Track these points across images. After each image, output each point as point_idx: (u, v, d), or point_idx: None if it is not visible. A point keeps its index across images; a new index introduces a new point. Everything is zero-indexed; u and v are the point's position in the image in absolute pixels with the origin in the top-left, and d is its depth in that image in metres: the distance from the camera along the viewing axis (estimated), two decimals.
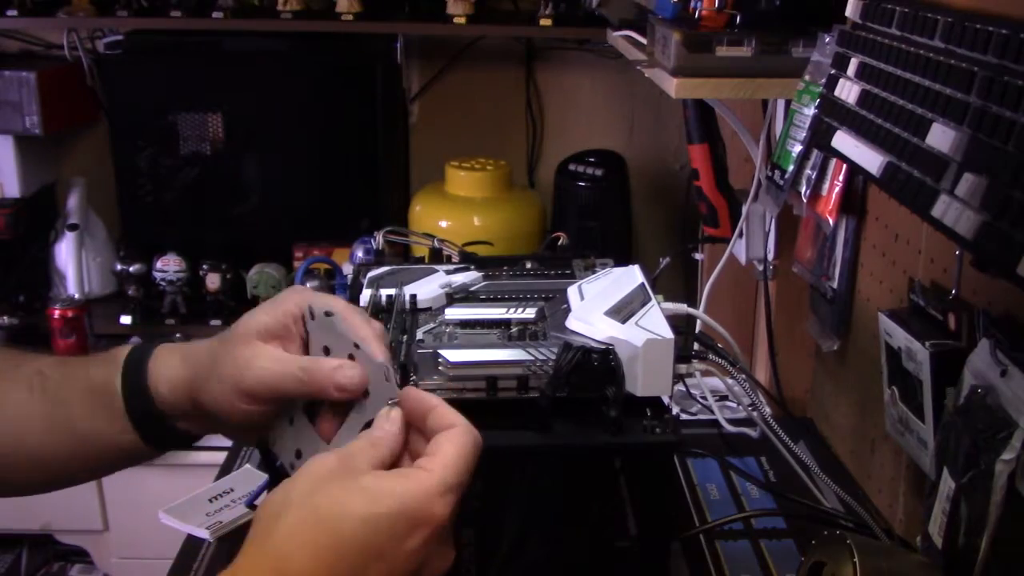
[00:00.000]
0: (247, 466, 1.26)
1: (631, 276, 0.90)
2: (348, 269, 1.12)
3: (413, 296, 0.88)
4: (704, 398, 1.26)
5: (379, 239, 1.16)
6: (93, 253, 2.27)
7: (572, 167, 2.17)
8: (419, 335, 0.83)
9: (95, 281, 2.27)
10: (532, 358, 0.77)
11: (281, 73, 2.17)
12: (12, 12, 2.07)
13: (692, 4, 1.09)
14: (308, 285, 0.91)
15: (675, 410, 1.14)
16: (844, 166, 1.09)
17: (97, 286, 2.27)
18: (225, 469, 1.27)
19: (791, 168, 1.11)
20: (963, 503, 0.75)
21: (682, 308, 0.94)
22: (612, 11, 1.63)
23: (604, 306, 0.81)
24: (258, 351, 0.71)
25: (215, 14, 2.05)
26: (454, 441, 0.63)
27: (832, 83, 0.88)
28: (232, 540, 1.09)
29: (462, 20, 2.07)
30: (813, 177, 1.14)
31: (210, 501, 1.15)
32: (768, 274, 1.48)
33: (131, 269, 2.17)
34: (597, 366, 0.75)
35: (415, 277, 0.93)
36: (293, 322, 0.73)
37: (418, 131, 2.40)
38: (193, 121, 2.17)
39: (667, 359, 0.76)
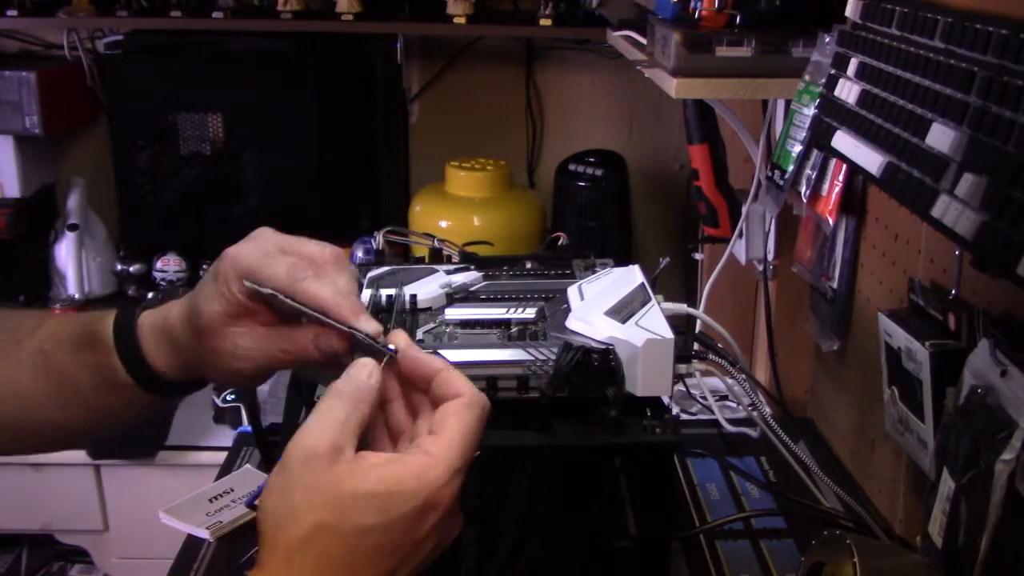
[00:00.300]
0: (247, 466, 1.26)
1: (631, 276, 0.90)
2: None
3: (413, 296, 0.88)
4: (704, 398, 1.26)
5: (379, 239, 1.16)
6: (93, 253, 2.27)
7: (572, 167, 2.17)
8: (419, 335, 0.83)
9: (95, 281, 2.27)
10: (532, 358, 0.77)
11: (281, 73, 2.17)
12: (12, 12, 2.07)
13: (692, 4, 1.09)
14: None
15: (675, 410, 1.14)
16: (844, 166, 1.09)
17: (97, 286, 2.27)
18: (225, 469, 1.27)
19: (791, 168, 1.11)
20: (963, 503, 0.75)
21: (682, 308, 0.94)
22: (612, 11, 1.63)
23: (604, 306, 0.81)
24: (234, 340, 0.71)
25: (215, 14, 2.05)
26: (461, 415, 0.62)
27: (832, 83, 0.88)
28: (232, 540, 1.09)
29: (462, 20, 2.07)
30: (813, 177, 1.14)
31: (210, 501, 1.16)
32: (768, 274, 1.48)
33: (131, 269, 2.17)
34: (597, 366, 0.75)
35: (415, 277, 0.93)
36: (248, 299, 0.71)
37: (418, 131, 2.40)
38: (193, 121, 2.17)
39: (667, 359, 0.76)
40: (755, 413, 1.01)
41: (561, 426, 0.76)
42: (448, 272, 0.96)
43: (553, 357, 0.76)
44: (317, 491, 0.58)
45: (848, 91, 0.84)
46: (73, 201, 2.27)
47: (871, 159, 0.76)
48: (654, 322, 0.79)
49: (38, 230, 2.26)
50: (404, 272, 0.95)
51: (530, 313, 0.86)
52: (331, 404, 0.62)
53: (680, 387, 1.15)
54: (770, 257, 1.48)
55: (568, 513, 0.79)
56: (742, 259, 1.52)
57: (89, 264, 2.25)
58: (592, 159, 2.16)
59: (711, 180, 1.53)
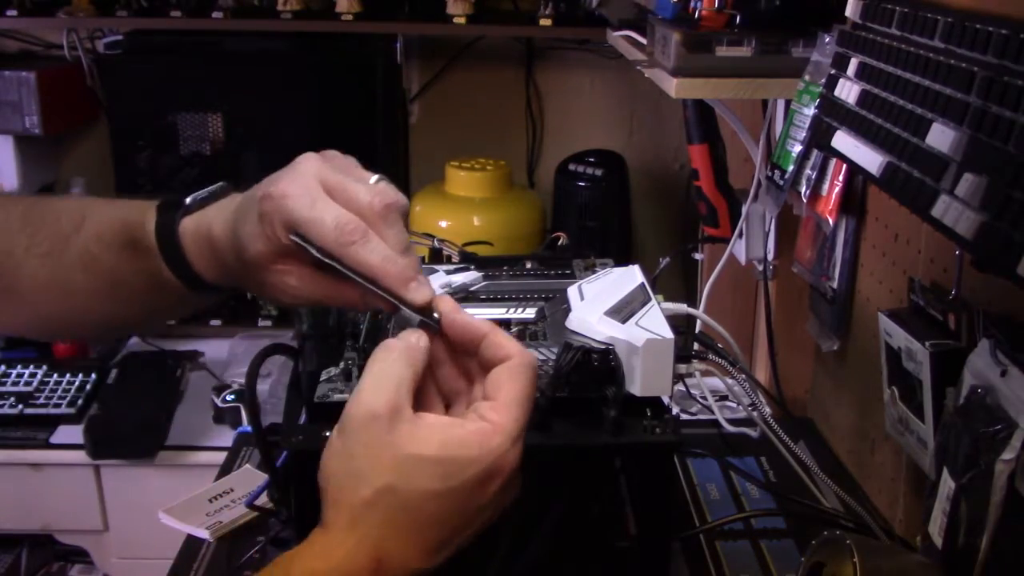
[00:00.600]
0: (247, 466, 1.26)
1: (631, 276, 0.90)
2: None
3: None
4: (704, 398, 1.26)
5: None
6: None
7: (572, 167, 2.17)
8: None
9: None
10: None
11: (281, 73, 2.16)
12: (12, 12, 2.06)
13: (692, 4, 1.09)
14: None
15: (675, 410, 1.14)
16: (844, 166, 1.09)
17: None
18: (225, 469, 1.27)
19: (791, 168, 1.11)
20: (963, 503, 0.75)
21: (682, 308, 0.94)
22: (612, 11, 1.63)
23: (604, 306, 0.81)
24: (281, 277, 0.69)
25: (215, 14, 2.05)
26: (515, 379, 0.62)
27: (832, 83, 0.88)
28: (232, 540, 1.09)
29: (462, 20, 2.06)
30: (813, 177, 1.14)
31: (210, 501, 1.16)
32: (768, 274, 1.48)
33: None
34: (597, 366, 0.75)
35: None
36: (294, 245, 0.67)
37: (418, 131, 2.40)
38: (193, 121, 2.16)
39: (667, 359, 0.76)
40: (755, 413, 1.01)
41: (561, 426, 0.76)
42: (448, 272, 0.96)
43: (553, 357, 0.76)
44: (380, 454, 0.59)
45: (848, 91, 0.84)
46: None
47: (871, 159, 0.76)
48: (654, 322, 0.79)
49: None
50: None
51: (530, 313, 0.86)
52: (384, 364, 0.61)
53: (680, 387, 1.15)
54: (770, 257, 1.48)
55: (568, 513, 0.79)
56: (742, 259, 1.52)
57: None
58: (592, 159, 2.16)
59: (711, 180, 1.53)
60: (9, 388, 1.89)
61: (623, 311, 0.80)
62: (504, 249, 1.37)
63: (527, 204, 2.21)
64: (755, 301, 1.67)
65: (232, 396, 1.83)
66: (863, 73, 0.82)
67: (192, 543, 1.10)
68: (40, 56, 2.29)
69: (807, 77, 1.03)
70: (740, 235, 1.50)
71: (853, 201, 1.18)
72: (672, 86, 1.08)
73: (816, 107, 0.95)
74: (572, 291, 0.87)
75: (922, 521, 0.82)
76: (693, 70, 1.07)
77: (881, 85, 0.78)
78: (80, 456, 1.77)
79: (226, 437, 1.68)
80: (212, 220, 0.73)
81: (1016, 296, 0.80)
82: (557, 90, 2.37)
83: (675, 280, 2.19)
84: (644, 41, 1.27)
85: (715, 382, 1.05)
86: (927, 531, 0.81)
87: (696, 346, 0.93)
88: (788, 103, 1.11)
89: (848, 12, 0.87)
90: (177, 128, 2.16)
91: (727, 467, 1.18)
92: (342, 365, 0.79)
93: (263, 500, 0.91)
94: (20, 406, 1.85)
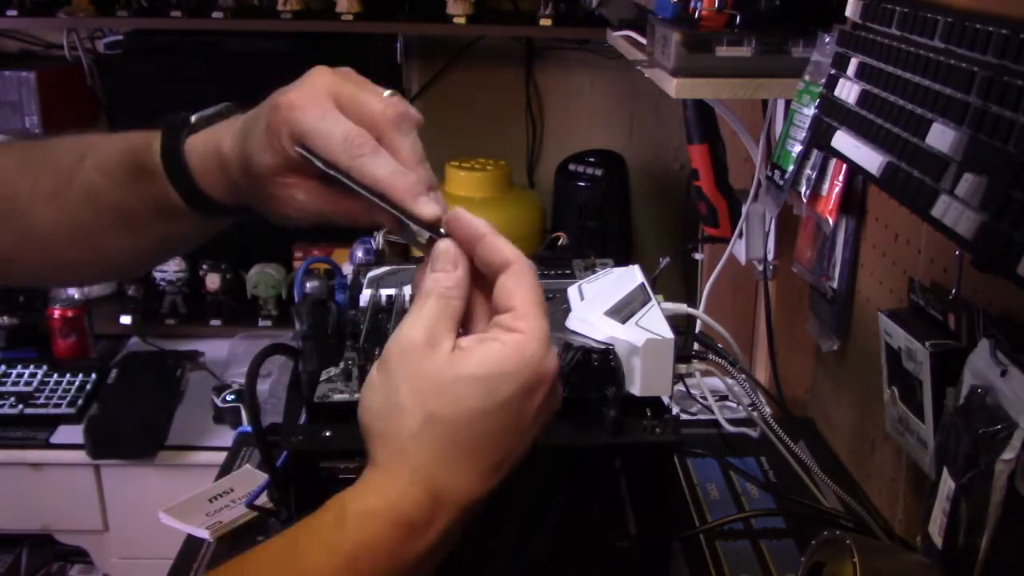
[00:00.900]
0: (247, 466, 1.26)
1: (631, 276, 0.90)
2: (348, 269, 1.12)
3: (413, 296, 0.88)
4: (704, 398, 1.26)
5: (379, 239, 1.16)
6: None
7: (572, 167, 2.17)
8: None
9: None
10: None
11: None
12: (12, 12, 2.06)
13: (692, 4, 1.09)
14: (308, 286, 0.90)
15: (675, 410, 1.14)
16: (844, 166, 1.09)
17: (97, 286, 2.27)
18: (225, 469, 1.27)
19: (791, 168, 1.11)
20: (963, 503, 0.75)
21: (682, 308, 0.94)
22: (612, 11, 1.63)
23: (604, 306, 0.81)
24: (287, 191, 0.68)
25: (215, 14, 2.05)
26: (522, 284, 0.61)
27: (832, 83, 0.88)
28: (232, 540, 1.09)
29: (462, 20, 2.06)
30: (813, 177, 1.14)
31: (210, 501, 1.16)
32: (768, 274, 1.48)
33: None
34: (597, 366, 0.75)
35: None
36: (300, 157, 0.66)
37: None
38: None
39: (667, 359, 0.76)
40: (755, 413, 1.01)
41: (561, 426, 0.76)
42: None
43: None
44: (421, 383, 0.58)
45: (848, 91, 0.84)
46: None
47: (871, 159, 0.76)
48: (654, 322, 0.79)
49: None
50: (404, 272, 0.95)
51: None
52: (420, 303, 0.61)
53: (680, 387, 1.15)
54: (770, 257, 1.48)
55: (568, 513, 0.79)
56: (742, 259, 1.52)
57: None
58: (592, 159, 2.16)
59: (711, 180, 1.53)
60: (9, 388, 1.89)
61: (623, 311, 0.80)
62: None
63: (527, 204, 2.21)
64: (755, 301, 1.67)
65: (232, 396, 1.83)
66: (863, 73, 0.82)
67: (192, 543, 1.10)
68: (40, 56, 2.29)
69: (807, 77, 1.03)
70: (740, 235, 1.50)
71: (853, 201, 1.18)
72: (672, 86, 1.08)
73: (816, 107, 0.95)
74: (572, 291, 0.87)
75: (922, 521, 0.82)
76: (693, 70, 1.07)
77: (881, 85, 0.78)
78: (80, 456, 1.77)
79: (226, 437, 1.68)
80: (220, 136, 0.72)
81: (1016, 296, 0.80)
82: (557, 90, 2.37)
83: (675, 280, 2.19)
84: (644, 41, 1.27)
85: (715, 382, 1.05)
86: (927, 531, 0.81)
87: (696, 346, 0.93)
88: (788, 103, 1.11)
89: (848, 12, 0.87)
90: None
91: (727, 467, 1.18)
92: (342, 365, 0.79)
93: (263, 500, 0.91)
94: (20, 406, 1.85)
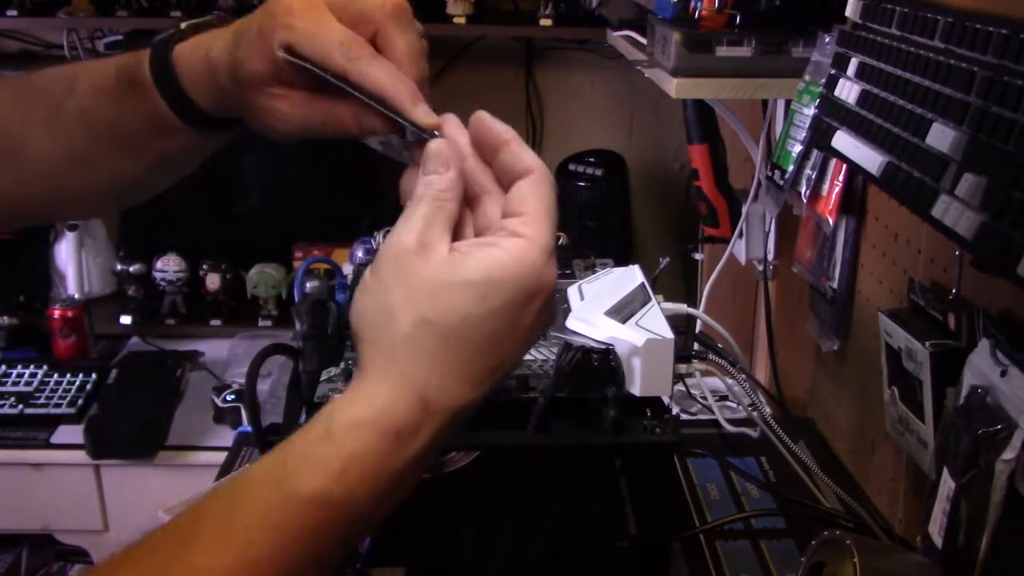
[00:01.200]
0: (247, 466, 1.26)
1: (631, 276, 0.90)
2: (348, 269, 1.12)
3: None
4: (704, 398, 1.26)
5: (379, 239, 1.16)
6: (93, 253, 2.27)
7: (572, 167, 2.17)
8: None
9: (95, 281, 2.26)
10: (532, 358, 0.77)
11: None
12: (12, 12, 2.06)
13: (692, 4, 1.09)
14: (308, 286, 0.90)
15: (675, 410, 1.14)
16: (844, 166, 1.09)
17: (97, 286, 2.27)
18: (225, 469, 1.27)
19: (791, 168, 1.11)
20: (963, 503, 0.75)
21: (682, 308, 0.94)
22: (612, 11, 1.63)
23: (604, 306, 0.81)
24: (274, 101, 0.66)
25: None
26: (538, 193, 0.59)
27: (832, 83, 0.88)
28: None
29: (462, 20, 2.07)
30: (813, 177, 1.14)
31: None
32: (768, 274, 1.48)
33: (131, 269, 2.17)
34: (597, 366, 0.75)
35: None
36: (287, 63, 0.63)
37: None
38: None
39: (667, 359, 0.76)
40: (755, 413, 1.02)
41: (561, 426, 0.76)
42: None
43: (553, 357, 0.76)
44: (414, 287, 0.56)
45: (848, 91, 0.84)
46: None
47: (871, 159, 0.76)
48: (654, 322, 0.79)
49: (38, 230, 2.25)
50: None
51: None
52: (412, 208, 0.59)
53: (680, 387, 1.15)
54: (770, 257, 1.48)
55: (568, 513, 0.79)
56: (742, 259, 1.52)
57: (89, 264, 2.25)
58: (592, 159, 2.16)
59: (711, 180, 1.53)
60: (9, 388, 1.89)
61: (623, 311, 0.81)
62: None
63: None
64: (755, 301, 1.67)
65: (232, 396, 1.83)
66: (863, 73, 0.82)
67: None
68: (40, 56, 2.29)
69: (807, 77, 1.03)
70: (740, 235, 1.50)
71: (853, 201, 1.18)
72: (672, 86, 1.08)
73: (816, 107, 0.95)
74: (572, 291, 0.87)
75: (922, 521, 0.82)
76: (693, 70, 1.07)
77: (881, 85, 0.78)
78: (80, 456, 1.77)
79: (226, 437, 1.68)
80: (210, 43, 0.70)
81: (1016, 296, 0.81)
82: (557, 90, 2.37)
83: (675, 280, 2.19)
84: (644, 41, 1.27)
85: (715, 382, 1.05)
86: (927, 531, 0.81)
87: (696, 346, 0.93)
88: (788, 103, 1.11)
89: (848, 12, 0.87)
90: None
91: (727, 467, 1.18)
92: (342, 365, 0.79)
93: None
94: (20, 406, 1.85)
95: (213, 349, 2.11)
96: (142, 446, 1.78)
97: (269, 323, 2.16)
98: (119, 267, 2.19)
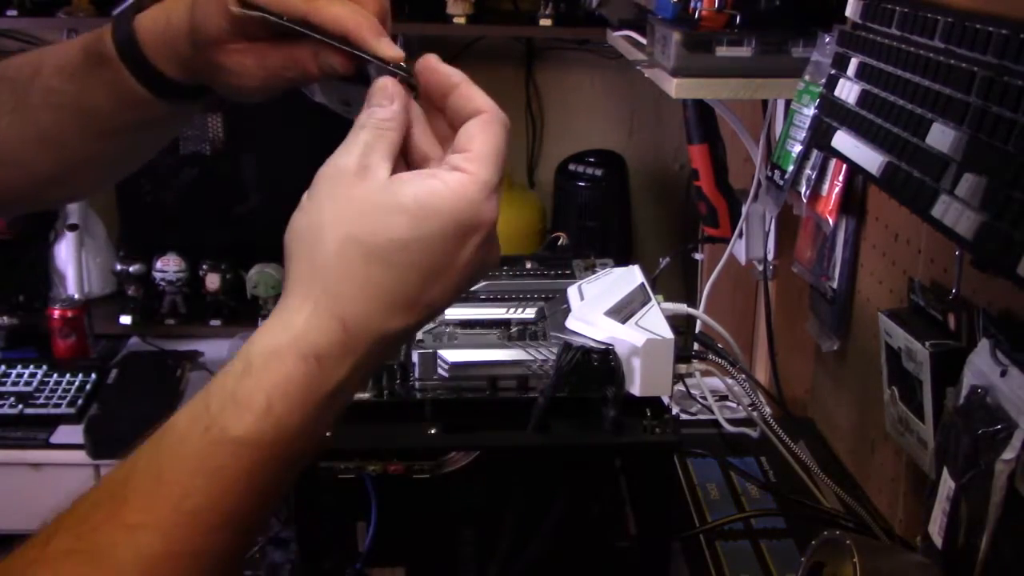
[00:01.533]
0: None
1: (631, 276, 0.90)
2: None
3: None
4: (704, 398, 1.26)
5: None
6: (93, 253, 2.27)
7: (572, 167, 2.17)
8: (419, 335, 0.83)
9: (95, 281, 2.26)
10: (532, 358, 0.77)
11: None
12: (12, 12, 2.06)
13: (692, 4, 1.09)
14: None
15: (675, 410, 1.14)
16: (844, 166, 1.09)
17: (97, 286, 2.27)
18: None
19: (791, 168, 1.11)
20: (963, 503, 0.75)
21: (682, 308, 0.94)
22: (612, 11, 1.63)
23: (604, 306, 0.81)
24: (235, 57, 0.65)
25: None
26: (486, 131, 0.59)
27: (832, 83, 0.88)
28: None
29: (462, 20, 2.06)
30: (813, 177, 1.14)
31: None
32: (768, 274, 1.48)
33: (131, 269, 2.17)
34: (597, 366, 0.75)
35: None
36: (242, 16, 0.63)
37: None
38: (193, 121, 2.16)
39: (667, 359, 0.76)
40: (755, 413, 1.02)
41: (561, 426, 0.76)
42: None
43: (553, 357, 0.76)
44: (347, 205, 0.55)
45: (848, 91, 0.84)
46: None
47: (871, 159, 0.76)
48: (654, 322, 0.79)
49: (38, 230, 2.25)
50: None
51: (530, 313, 0.86)
52: (355, 134, 0.59)
53: (680, 387, 1.15)
54: (770, 257, 1.48)
55: (568, 513, 0.79)
56: (742, 259, 1.52)
57: (89, 264, 2.25)
58: (592, 159, 2.16)
59: (711, 180, 1.53)
60: (9, 388, 1.89)
61: (623, 311, 0.81)
62: (504, 249, 1.36)
63: (527, 204, 2.21)
64: (755, 301, 1.67)
65: None
66: (863, 73, 0.82)
67: None
68: None
69: (807, 77, 1.03)
70: (740, 235, 1.50)
71: (853, 201, 1.18)
72: (672, 86, 1.08)
73: (816, 107, 0.95)
74: (572, 291, 0.87)
75: (922, 521, 0.82)
76: (693, 70, 1.07)
77: (881, 85, 0.78)
78: (80, 456, 1.77)
79: None
80: (169, 9, 0.69)
81: (1016, 296, 0.81)
82: (557, 90, 2.37)
83: (675, 280, 2.19)
84: (644, 41, 1.27)
85: (715, 382, 1.05)
86: (927, 531, 0.81)
87: (696, 346, 0.93)
88: (788, 103, 1.11)
89: (848, 12, 0.87)
90: None
91: (727, 467, 1.18)
92: None
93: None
94: (20, 406, 1.85)
95: (213, 349, 2.11)
96: None
97: None
98: (119, 267, 2.19)
